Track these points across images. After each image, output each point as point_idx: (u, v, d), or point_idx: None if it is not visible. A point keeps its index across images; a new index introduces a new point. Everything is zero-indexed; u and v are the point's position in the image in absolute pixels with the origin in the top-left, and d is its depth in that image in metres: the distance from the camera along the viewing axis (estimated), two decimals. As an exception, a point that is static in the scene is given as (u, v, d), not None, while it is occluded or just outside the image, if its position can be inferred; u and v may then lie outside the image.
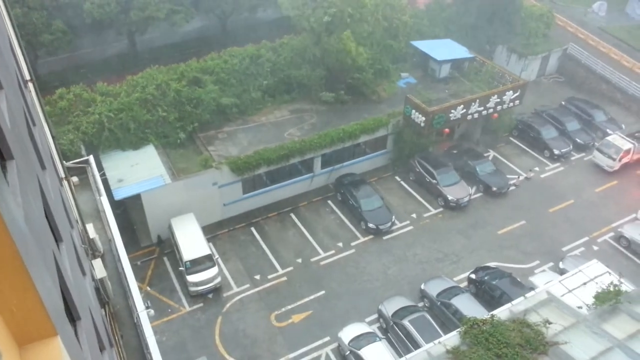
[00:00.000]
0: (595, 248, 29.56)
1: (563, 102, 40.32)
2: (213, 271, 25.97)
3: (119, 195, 26.26)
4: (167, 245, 28.54)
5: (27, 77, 15.32)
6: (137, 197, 26.98)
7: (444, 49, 37.20)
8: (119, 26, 35.58)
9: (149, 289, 26.59)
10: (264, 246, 29.22)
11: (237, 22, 42.24)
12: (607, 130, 37.10)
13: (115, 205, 26.10)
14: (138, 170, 27.72)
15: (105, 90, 30.03)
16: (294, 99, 34.47)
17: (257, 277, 27.46)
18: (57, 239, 10.28)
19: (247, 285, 27.02)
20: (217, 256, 27.36)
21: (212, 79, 32.11)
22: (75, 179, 23.60)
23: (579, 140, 36.63)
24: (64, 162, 19.46)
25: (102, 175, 26.13)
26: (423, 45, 37.56)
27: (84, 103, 29.22)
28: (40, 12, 32.44)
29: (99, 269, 18.31)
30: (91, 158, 25.23)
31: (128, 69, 34.52)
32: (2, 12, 13.92)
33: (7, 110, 7.90)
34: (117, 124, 28.68)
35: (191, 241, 26.68)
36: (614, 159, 34.00)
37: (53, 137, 17.63)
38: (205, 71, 32.48)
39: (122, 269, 19.32)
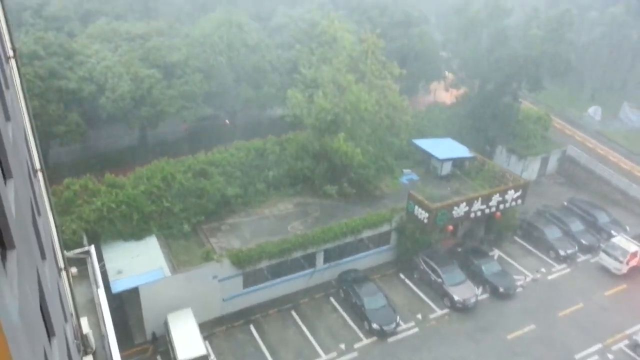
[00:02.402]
0: (610, 357, 28.10)
1: (565, 203, 40.52)
2: (207, 372, 24.54)
3: (117, 287, 25.57)
4: (162, 343, 27.24)
5: (38, 166, 15.50)
6: (135, 290, 26.25)
7: (444, 148, 38.13)
8: (131, 120, 36.82)
9: (138, 389, 25.00)
10: (262, 346, 27.86)
11: (246, 118, 43.81)
12: (612, 231, 36.89)
13: (112, 297, 25.31)
14: (138, 262, 27.24)
15: (112, 182, 30.37)
16: (298, 192, 34.77)
17: (254, 379, 25.92)
18: (50, 333, 9.79)
19: (243, 388, 25.42)
20: (212, 356, 26.02)
21: (218, 171, 32.66)
22: (74, 269, 23.11)
23: (583, 242, 36.27)
24: (65, 252, 19.15)
25: (102, 266, 25.66)
26: (424, 143, 38.57)
27: (88, 193, 29.45)
28: (57, 105, 33.72)
29: (89, 367, 17.29)
30: (92, 248, 24.89)
31: (138, 160, 35.21)
32: (21, 103, 14.40)
33: (14, 200, 7.85)
34: (120, 214, 28.68)
35: (187, 339, 25.48)
36: (621, 262, 33.42)
37: (56, 227, 17.49)
38: (212, 163, 33.10)
39: (113, 367, 18.26)
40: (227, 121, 43.36)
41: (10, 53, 13.24)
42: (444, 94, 51.48)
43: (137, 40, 37.92)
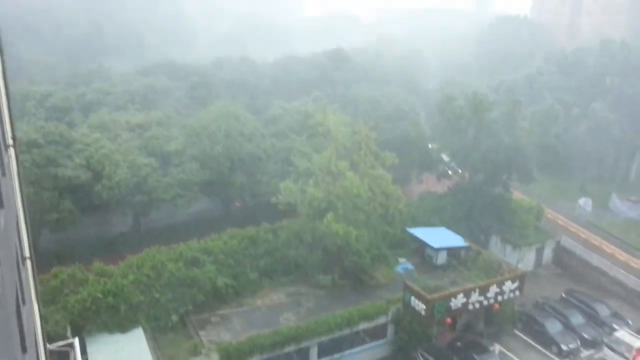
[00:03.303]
0: None
1: (563, 295, 39.71)
2: None
3: (97, 384, 24.07)
4: None
5: (27, 254, 15.12)
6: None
7: (439, 237, 37.95)
8: (125, 207, 36.73)
9: None
10: None
11: (240, 206, 43.84)
12: (614, 325, 35.83)
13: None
14: (123, 357, 25.89)
15: (101, 271, 29.68)
16: (292, 281, 34.05)
17: None
18: None
19: None
20: None
21: (210, 260, 32.11)
22: (53, 364, 21.80)
23: (585, 336, 35.05)
24: (47, 345, 18.17)
25: (85, 360, 24.31)
26: (419, 232, 38.44)
27: (75, 282, 28.63)
28: (52, 192, 33.69)
29: None
30: (76, 341, 23.63)
31: (129, 248, 34.63)
32: (15, 190, 14.36)
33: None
34: (106, 305, 27.70)
35: None
36: (627, 358, 32.10)
37: (40, 318, 16.73)
38: (205, 251, 32.62)
39: None
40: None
41: (10, 142, 13.40)
42: (436, 184, 52.22)
43: (137, 130, 38.90)
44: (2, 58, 12.05)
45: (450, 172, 47.08)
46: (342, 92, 54.58)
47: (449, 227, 40.35)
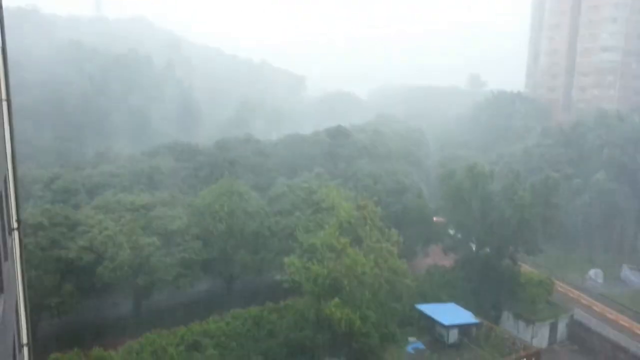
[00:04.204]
0: None
1: (583, 373, 37.94)
2: None
3: None
4: None
5: (25, 341, 14.67)
6: None
7: (449, 314, 36.87)
8: (126, 289, 36.06)
9: None
10: None
11: (243, 284, 43.05)
12: (639, 405, 33.90)
13: None
14: None
15: (100, 356, 28.64)
16: (297, 366, 32.60)
17: None
18: None
19: None
20: None
21: (212, 343, 31.00)
22: None
23: (611, 417, 33.09)
24: None
25: None
26: (428, 309, 37.41)
27: (74, 370, 27.57)
28: (53, 275, 33.23)
29: None
30: None
31: (130, 331, 33.64)
32: (17, 275, 14.17)
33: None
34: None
35: None
36: None
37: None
38: (206, 334, 31.59)
39: None
40: None
41: (15, 225, 13.41)
42: (443, 257, 51.49)
43: (141, 210, 39.01)
44: (12, 144, 12.38)
45: (456, 245, 46.58)
46: (344, 167, 55.34)
47: (458, 302, 39.32)
